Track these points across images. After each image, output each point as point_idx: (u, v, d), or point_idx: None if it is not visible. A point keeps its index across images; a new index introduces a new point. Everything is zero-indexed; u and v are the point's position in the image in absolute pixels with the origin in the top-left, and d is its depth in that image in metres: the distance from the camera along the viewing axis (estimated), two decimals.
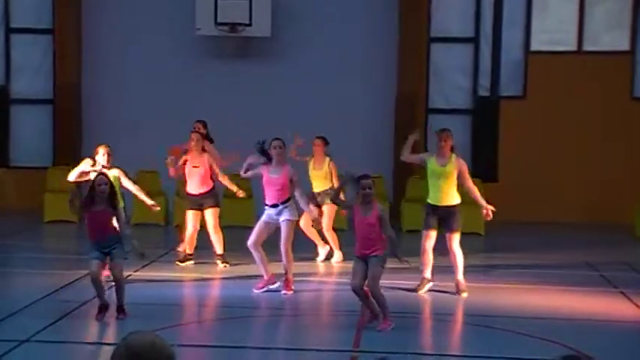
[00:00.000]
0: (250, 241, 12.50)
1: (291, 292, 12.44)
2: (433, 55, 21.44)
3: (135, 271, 13.70)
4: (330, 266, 15.08)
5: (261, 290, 12.47)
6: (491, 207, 12.82)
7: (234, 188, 14.50)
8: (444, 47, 21.46)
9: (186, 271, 14.18)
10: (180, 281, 13.61)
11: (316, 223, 13.56)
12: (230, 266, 14.41)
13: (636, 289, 13.27)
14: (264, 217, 12.55)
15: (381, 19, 21.02)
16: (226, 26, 20.37)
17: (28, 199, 20.64)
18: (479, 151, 20.88)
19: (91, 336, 10.48)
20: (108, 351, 9.56)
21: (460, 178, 12.59)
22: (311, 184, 15.37)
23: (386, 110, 20.85)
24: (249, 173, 12.86)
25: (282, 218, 12.39)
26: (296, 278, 12.86)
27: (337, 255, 15.35)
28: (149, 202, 13.38)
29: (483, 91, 21.22)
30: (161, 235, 18.17)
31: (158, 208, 13.89)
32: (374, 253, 10.53)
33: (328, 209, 15.19)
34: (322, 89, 20.88)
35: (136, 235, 11.47)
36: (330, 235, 15.29)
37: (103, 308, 10.81)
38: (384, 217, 10.64)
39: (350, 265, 14.39)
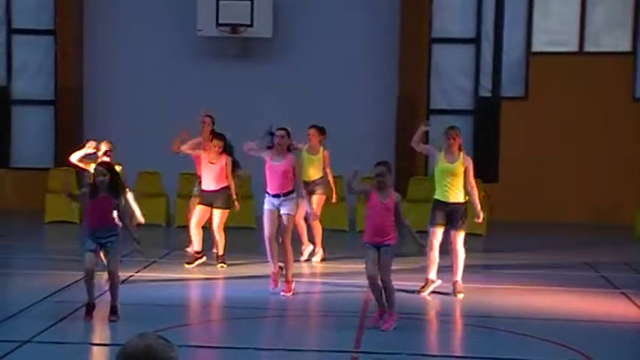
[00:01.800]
0: (267, 234, 12.44)
1: (290, 293, 12.41)
2: (434, 55, 21.45)
3: (137, 272, 13.72)
4: (326, 267, 15.06)
5: (275, 289, 12.48)
6: (483, 215, 12.83)
7: (234, 197, 14.37)
8: (445, 48, 21.47)
9: (188, 272, 14.16)
10: (181, 281, 13.60)
11: (312, 217, 13.59)
12: (227, 267, 14.40)
13: (637, 289, 13.28)
14: (267, 206, 12.48)
15: (382, 20, 21.03)
16: (227, 27, 20.39)
17: (28, 199, 20.66)
18: (480, 151, 20.85)
19: (92, 337, 10.49)
20: (109, 352, 9.58)
21: (465, 175, 12.61)
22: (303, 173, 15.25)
23: (387, 111, 20.86)
24: (253, 150, 12.78)
25: (282, 211, 12.38)
26: (294, 279, 12.84)
27: (319, 253, 15.31)
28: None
29: (484, 92, 21.23)
30: (162, 236, 18.17)
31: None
32: (387, 242, 10.51)
33: (317, 200, 15.18)
34: (323, 90, 20.89)
35: (137, 230, 11.50)
36: (316, 227, 15.22)
37: (91, 308, 10.75)
38: (400, 205, 10.65)
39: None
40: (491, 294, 12.99)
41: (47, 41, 21.56)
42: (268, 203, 12.49)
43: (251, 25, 20.31)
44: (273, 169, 12.43)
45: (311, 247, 15.35)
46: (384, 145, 20.57)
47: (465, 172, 12.52)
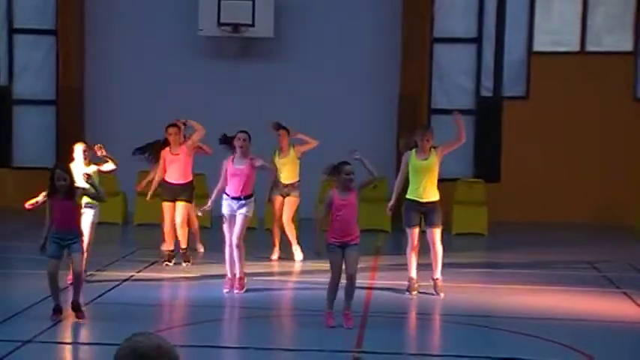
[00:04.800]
0: (229, 239, 12.44)
1: (243, 291, 12.43)
2: (436, 55, 21.44)
3: (137, 272, 13.72)
4: (325, 266, 15.00)
5: (230, 291, 12.46)
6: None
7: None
8: (446, 48, 21.46)
9: (182, 271, 14.14)
10: (179, 282, 13.59)
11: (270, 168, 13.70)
12: (191, 265, 14.42)
13: (638, 289, 13.26)
14: (226, 210, 12.44)
15: (383, 20, 21.02)
16: (229, 27, 20.38)
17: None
18: (481, 151, 20.88)
19: (92, 337, 10.48)
20: (108, 352, 9.56)
21: (448, 148, 12.62)
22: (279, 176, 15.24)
23: (389, 111, 20.84)
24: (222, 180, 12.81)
25: (239, 212, 12.37)
26: (291, 278, 12.86)
27: (298, 252, 15.28)
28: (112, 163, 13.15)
29: (486, 92, 21.22)
30: (160, 236, 18.13)
31: None
32: (353, 241, 10.57)
33: (291, 202, 15.19)
34: (325, 90, 20.88)
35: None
36: (289, 228, 15.22)
37: (58, 311, 10.73)
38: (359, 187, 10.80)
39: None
40: (492, 293, 12.98)
41: (49, 41, 21.57)
42: (227, 207, 12.45)
43: (252, 25, 20.30)
44: (236, 172, 12.40)
45: (298, 247, 15.31)
46: (385, 144, 20.54)
47: (446, 149, 12.58)
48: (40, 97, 21.73)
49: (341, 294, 10.71)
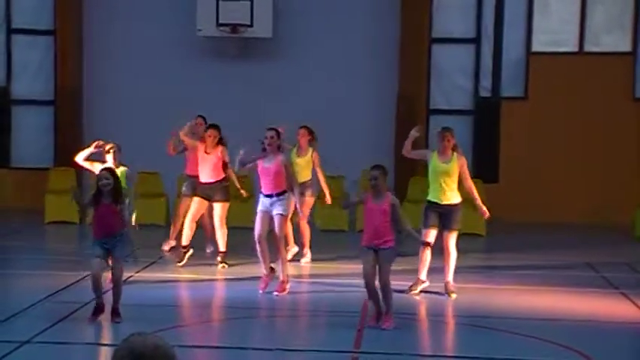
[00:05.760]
0: (257, 234, 12.44)
1: (285, 293, 12.41)
2: (434, 55, 21.44)
3: (136, 272, 13.71)
4: (325, 266, 15.02)
5: (265, 290, 12.46)
6: (485, 208, 12.85)
7: (239, 186, 14.64)
8: (445, 48, 21.47)
9: (186, 271, 14.16)
10: (180, 282, 13.62)
11: (302, 217, 13.75)
12: (228, 267, 14.39)
13: (636, 289, 13.27)
14: (260, 207, 12.55)
15: (382, 20, 21.02)
16: (227, 27, 20.39)
17: (28, 199, 20.65)
18: (480, 151, 20.85)
19: (92, 337, 10.48)
20: (109, 352, 9.56)
21: (460, 175, 12.58)
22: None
23: (387, 111, 20.84)
24: (246, 167, 12.90)
25: (275, 212, 12.39)
26: (291, 279, 12.83)
27: (307, 255, 15.24)
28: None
29: (484, 92, 21.21)
30: (161, 236, 18.15)
31: None
32: (385, 245, 10.50)
33: (306, 202, 15.03)
34: (323, 90, 20.88)
35: (132, 239, 11.39)
36: (304, 228, 15.10)
37: (99, 310, 10.75)
38: (397, 207, 10.65)
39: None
40: (490, 294, 12.99)
41: (47, 41, 21.56)
42: (261, 204, 12.53)
43: (251, 25, 20.31)
44: (265, 171, 12.49)
45: (296, 248, 15.28)
46: (384, 145, 20.55)
47: (460, 171, 12.53)
48: (39, 98, 21.72)
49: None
